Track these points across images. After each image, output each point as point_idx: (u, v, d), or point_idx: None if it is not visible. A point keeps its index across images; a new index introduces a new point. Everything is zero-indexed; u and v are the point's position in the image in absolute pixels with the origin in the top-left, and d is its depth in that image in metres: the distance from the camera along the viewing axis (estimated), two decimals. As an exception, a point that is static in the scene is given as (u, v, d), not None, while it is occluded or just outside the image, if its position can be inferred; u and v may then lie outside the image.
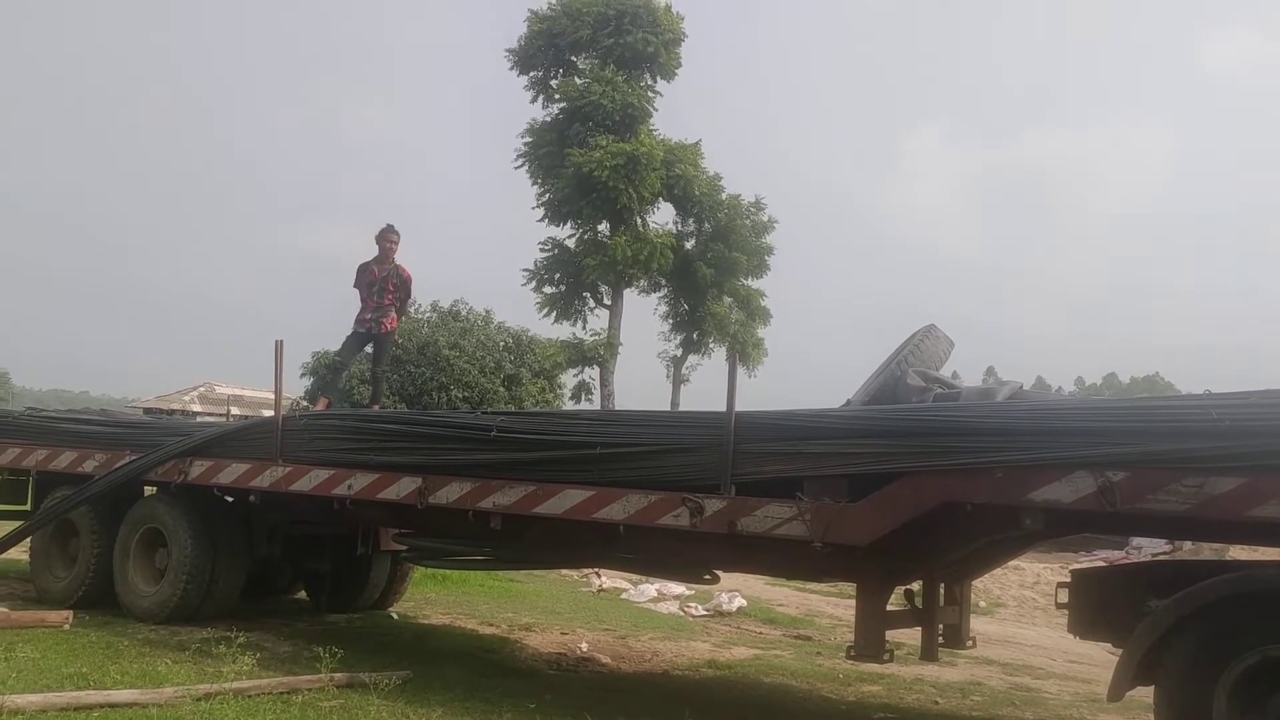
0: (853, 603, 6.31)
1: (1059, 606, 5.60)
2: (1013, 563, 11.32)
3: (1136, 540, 16.71)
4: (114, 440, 8.98)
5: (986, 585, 13.97)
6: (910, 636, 6.93)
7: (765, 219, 31.21)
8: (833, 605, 12.65)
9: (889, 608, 6.21)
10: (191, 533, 8.27)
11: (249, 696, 5.78)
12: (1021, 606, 14.08)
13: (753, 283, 31.82)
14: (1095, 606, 5.33)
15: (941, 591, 6.63)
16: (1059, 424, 4.93)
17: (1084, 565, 11.10)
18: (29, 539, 9.27)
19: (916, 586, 6.63)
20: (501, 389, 21.28)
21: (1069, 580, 5.50)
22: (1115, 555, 16.56)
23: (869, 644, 5.97)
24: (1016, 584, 14.96)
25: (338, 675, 6.23)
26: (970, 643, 6.89)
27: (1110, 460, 4.68)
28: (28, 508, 9.76)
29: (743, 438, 5.77)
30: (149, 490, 9.03)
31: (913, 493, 5.24)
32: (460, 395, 20.37)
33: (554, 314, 30.06)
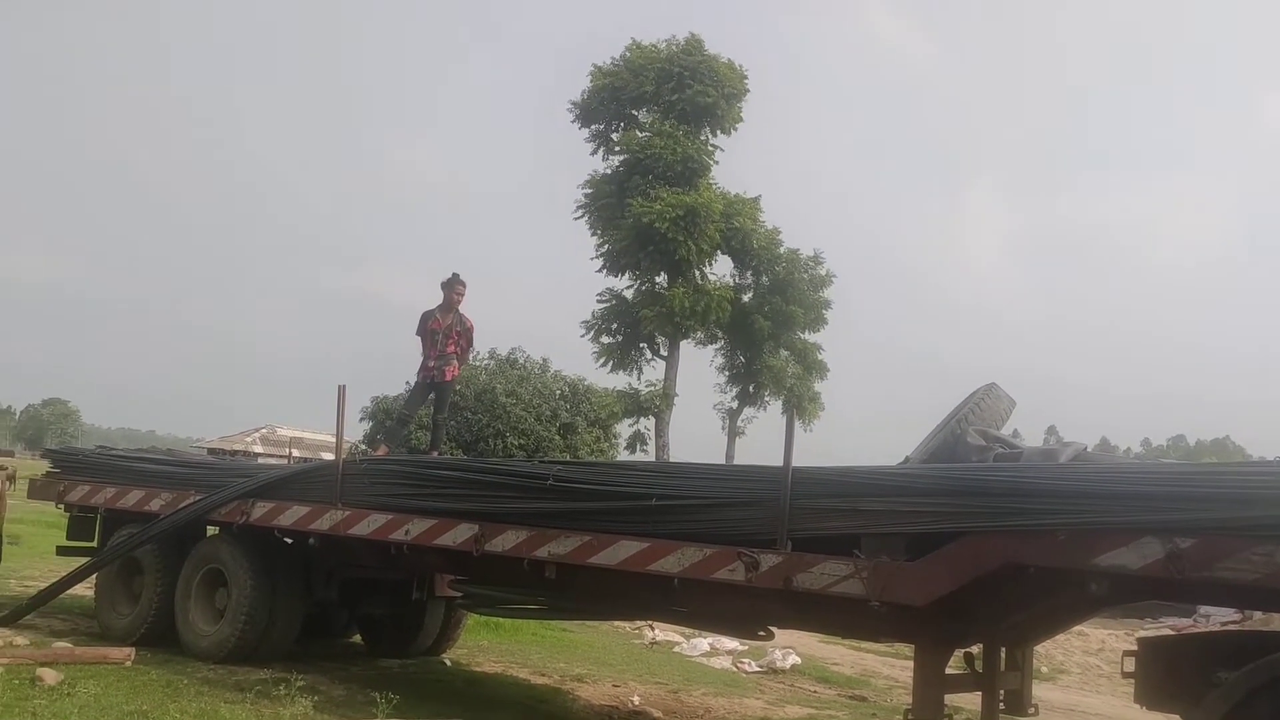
0: (910, 664, 6.20)
1: (1125, 675, 5.46)
2: (1076, 628, 11.04)
3: (1205, 608, 16.20)
4: (180, 480, 9.17)
5: (1049, 650, 13.62)
6: (970, 701, 6.79)
7: (823, 273, 31.16)
8: (889, 666, 12.41)
9: (948, 671, 6.09)
10: (252, 574, 8.39)
11: (304, 739, 5.83)
12: (1085, 674, 13.69)
13: (810, 336, 31.72)
14: (1163, 676, 5.19)
15: (1002, 655, 6.49)
16: (1125, 487, 4.84)
17: (1151, 633, 10.79)
18: (94, 575, 9.46)
19: (976, 649, 6.49)
20: (557, 437, 21.33)
21: (1136, 648, 5.36)
22: (1183, 623, 16.06)
23: (927, 707, 5.85)
24: (1080, 650, 14.56)
25: (391, 721, 6.26)
26: (1032, 709, 6.69)
27: (1178, 526, 4.58)
28: (95, 544, 9.96)
29: (799, 493, 5.74)
30: (212, 530, 9.17)
31: (973, 553, 5.16)
32: (516, 443, 20.45)
33: (610, 364, 30.16)
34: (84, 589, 9.71)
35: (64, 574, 9.47)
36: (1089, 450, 6.12)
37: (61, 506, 10.29)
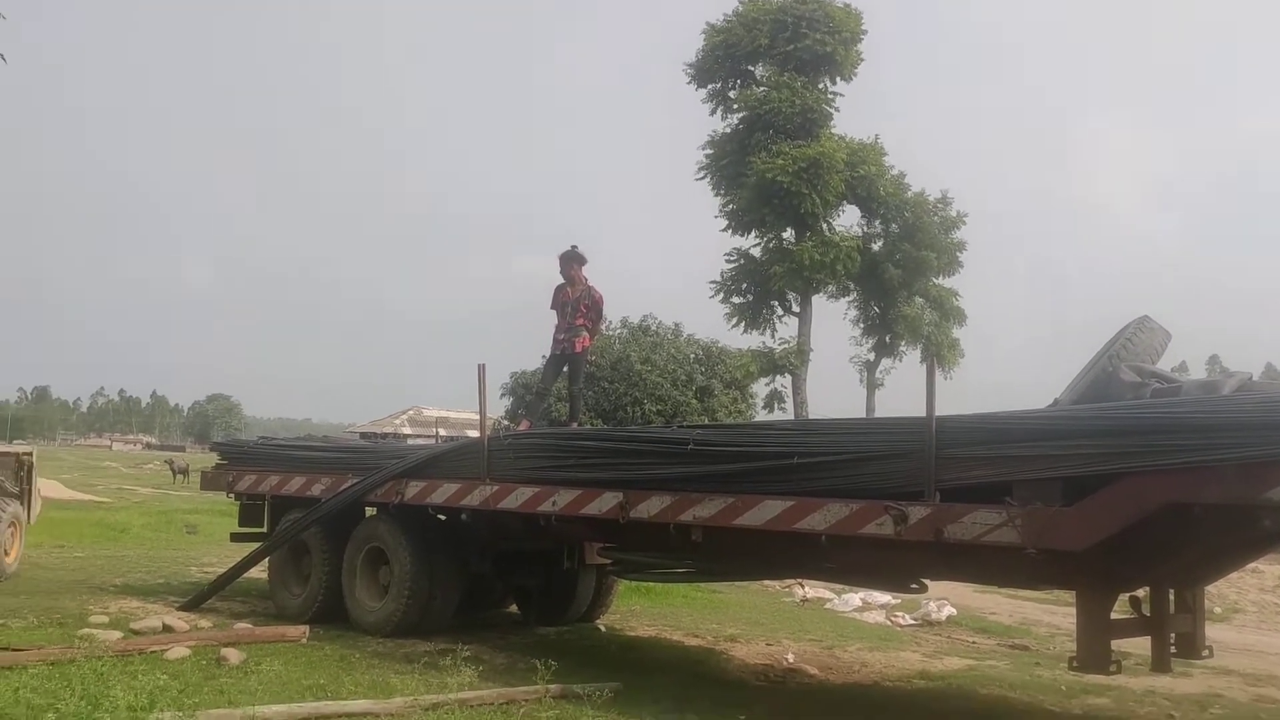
0: (1072, 610, 6.05)
1: (1306, 613, 5.19)
2: (1250, 565, 10.53)
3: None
4: (337, 464, 9.58)
5: (1221, 590, 13.03)
6: (1139, 646, 6.56)
7: (953, 214, 30.20)
8: (1050, 613, 12.10)
9: (1113, 616, 5.91)
10: (410, 551, 8.72)
11: (472, 707, 6.04)
12: (1262, 612, 13.07)
13: (945, 281, 30.88)
14: (1349, 613, 4.91)
15: (1171, 598, 6.25)
16: (1296, 416, 4.57)
17: (1333, 567, 10.19)
18: (266, 559, 9.99)
19: (1143, 593, 6.27)
20: (694, 401, 21.37)
21: (1317, 584, 5.08)
22: (1369, 555, 15.12)
23: (1093, 654, 5.69)
24: (1255, 588, 13.89)
25: (553, 687, 6.42)
26: (1206, 652, 6.43)
27: (1359, 453, 4.31)
28: (265, 530, 10.50)
29: (945, 442, 5.63)
30: (370, 511, 9.55)
31: (1133, 495, 4.98)
32: (654, 409, 20.58)
33: (742, 324, 29.99)
34: (258, 572, 10.26)
35: (238, 559, 10.03)
36: (1254, 380, 5.80)
37: (231, 495, 10.87)
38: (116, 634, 8.09)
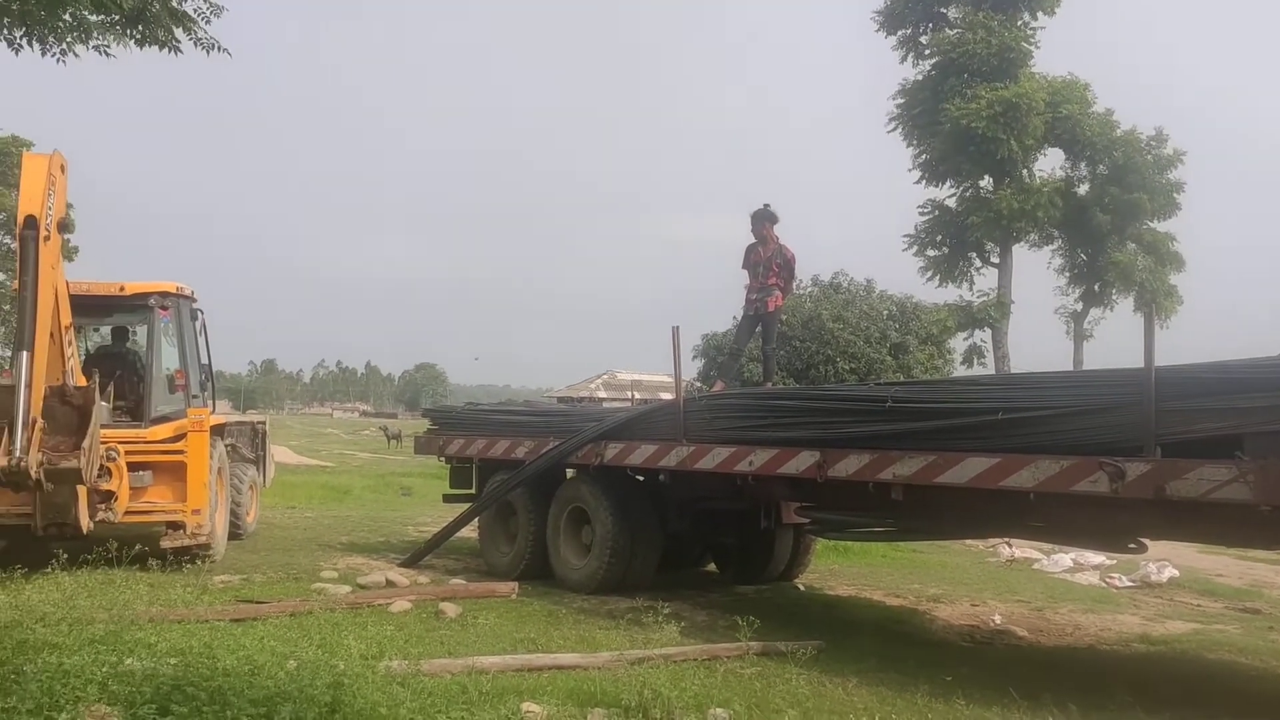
0: (1313, 573, 5.61)
1: None
2: None
3: None
4: (539, 428, 9.92)
5: None
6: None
7: (1169, 152, 28.13)
8: (1285, 576, 11.29)
9: (1361, 579, 5.46)
10: (611, 510, 8.95)
11: (676, 662, 6.16)
12: None
13: (1160, 225, 28.89)
14: None
15: None
16: None
17: None
18: (476, 519, 10.47)
19: (1395, 554, 5.76)
20: (888, 358, 20.89)
21: None
22: None
23: (1337, 619, 5.28)
24: None
25: (754, 644, 6.47)
26: None
27: None
28: (473, 491, 10.99)
29: (1166, 394, 5.32)
30: (571, 472, 9.83)
31: (1384, 447, 4.56)
32: (847, 367, 20.24)
33: (938, 277, 29.06)
34: (469, 531, 10.76)
35: (450, 519, 10.56)
36: None
37: (442, 459, 11.43)
38: (345, 588, 8.70)
